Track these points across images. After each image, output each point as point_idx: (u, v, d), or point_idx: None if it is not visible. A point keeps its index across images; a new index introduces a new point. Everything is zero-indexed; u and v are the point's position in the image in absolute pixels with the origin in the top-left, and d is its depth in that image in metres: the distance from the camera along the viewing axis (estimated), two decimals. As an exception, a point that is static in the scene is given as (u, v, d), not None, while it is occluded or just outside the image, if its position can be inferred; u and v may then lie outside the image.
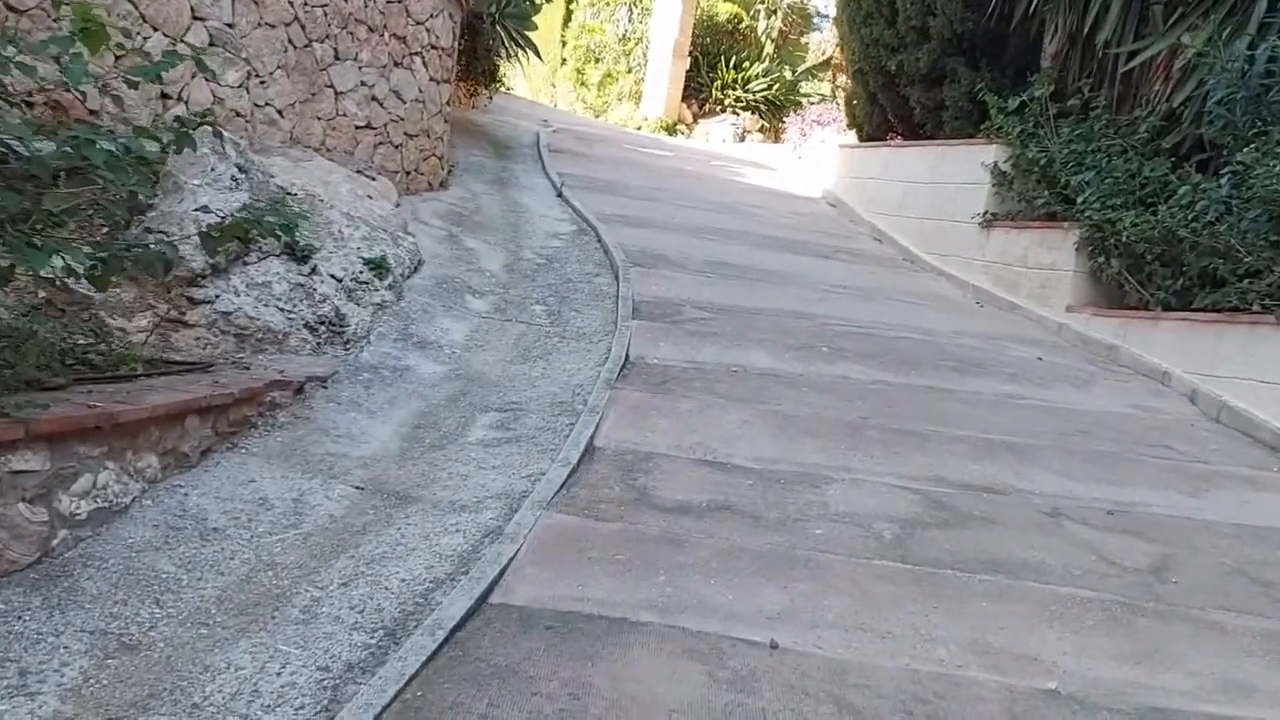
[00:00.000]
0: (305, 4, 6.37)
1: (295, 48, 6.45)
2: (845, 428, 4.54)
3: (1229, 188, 5.65)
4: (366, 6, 6.90)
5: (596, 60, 19.22)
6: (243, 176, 5.21)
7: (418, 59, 7.56)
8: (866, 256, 8.88)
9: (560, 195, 9.03)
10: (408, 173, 7.62)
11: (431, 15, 7.63)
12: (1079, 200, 6.88)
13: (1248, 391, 5.31)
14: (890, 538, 3.53)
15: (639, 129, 17.36)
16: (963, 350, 6.17)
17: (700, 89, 18.36)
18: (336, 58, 6.78)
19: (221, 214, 4.75)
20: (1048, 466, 4.36)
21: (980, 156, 8.18)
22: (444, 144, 8.12)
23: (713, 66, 18.15)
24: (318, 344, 4.98)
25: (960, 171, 8.49)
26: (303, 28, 6.43)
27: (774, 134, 17.70)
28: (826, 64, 18.96)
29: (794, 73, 18.98)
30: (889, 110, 10.32)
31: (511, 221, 7.84)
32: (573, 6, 19.92)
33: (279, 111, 6.43)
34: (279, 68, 6.35)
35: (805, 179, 12.32)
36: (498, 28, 10.44)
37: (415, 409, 4.44)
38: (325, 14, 6.56)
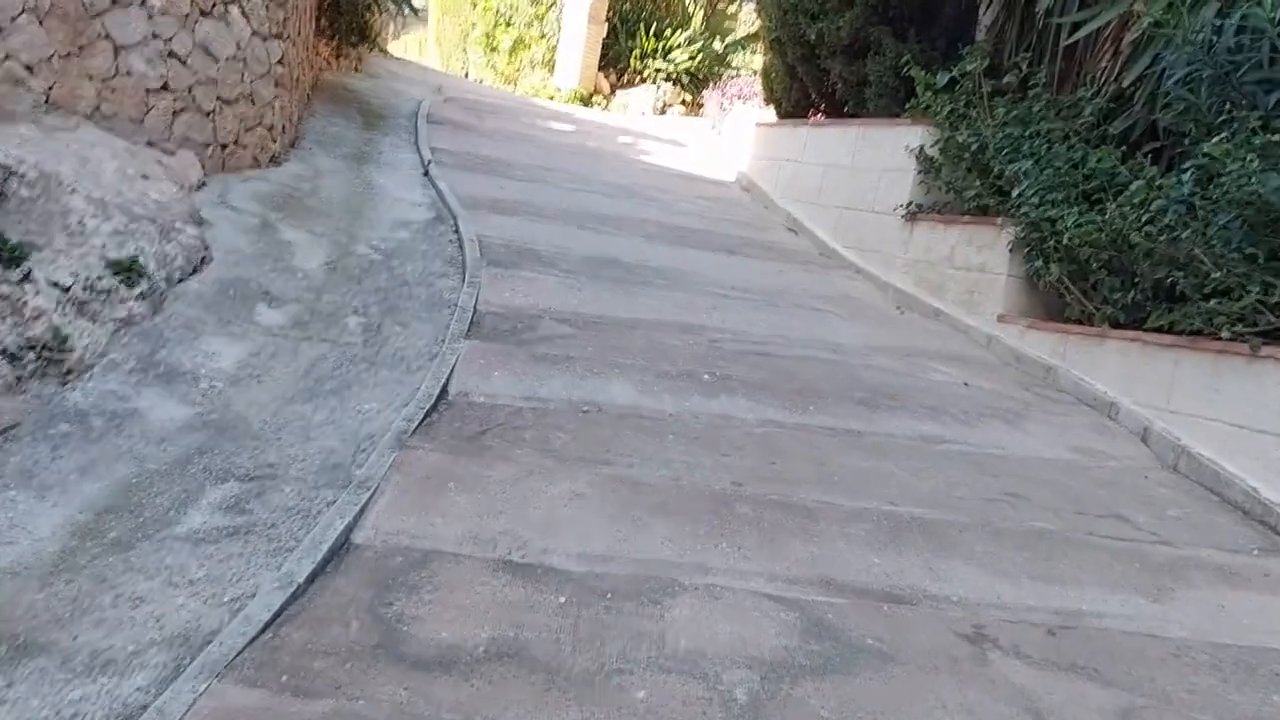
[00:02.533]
0: (58, -71, 5.00)
1: (49, -14, 5.08)
2: (711, 502, 3.44)
3: (1192, 185, 4.66)
4: (156, -62, 5.53)
5: (508, 24, 17.74)
6: (-83, 151, 3.89)
7: (234, 8, 6.19)
8: (777, 251, 7.80)
9: (427, 174, 7.75)
10: (224, 146, 6.27)
11: (254, -45, 6.28)
12: (1014, 193, 5.88)
13: (1213, 436, 4.35)
14: (744, 700, 2.44)
15: (551, 99, 16.00)
16: (875, 374, 5.12)
17: (619, 58, 17.05)
18: (114, 3, 5.41)
19: None
20: (970, 556, 3.32)
21: (905, 139, 7.13)
22: (276, 111, 6.77)
23: (632, 34, 16.85)
24: (19, 378, 3.70)
25: (883, 156, 7.44)
26: (57, -40, 5.06)
27: (696, 108, 16.52)
28: (756, 36, 17.80)
29: (724, 44, 17.78)
30: (809, 85, 9.21)
31: (354, 206, 6.56)
32: (482, -36, 18.39)
33: (28, 68, 5.05)
34: (25, 12, 4.97)
35: (721, 159, 11.18)
36: (365, -21, 9.06)
37: (118, 480, 3.21)
38: (91, -56, 5.20)
